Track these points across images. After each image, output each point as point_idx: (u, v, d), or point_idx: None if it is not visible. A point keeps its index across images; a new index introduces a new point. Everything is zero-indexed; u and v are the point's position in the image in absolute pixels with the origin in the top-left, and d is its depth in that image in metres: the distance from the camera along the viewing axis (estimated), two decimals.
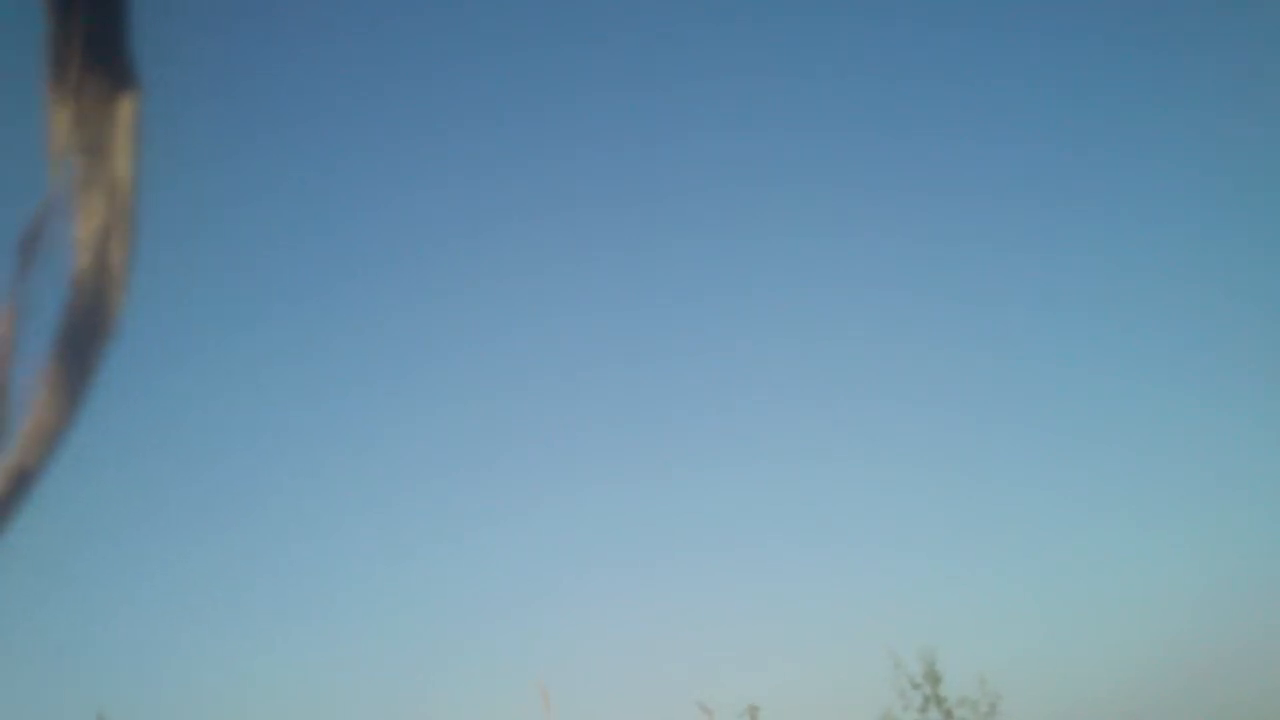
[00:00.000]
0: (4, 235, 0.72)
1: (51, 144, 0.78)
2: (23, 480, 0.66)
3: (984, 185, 33.61)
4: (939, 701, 20.69)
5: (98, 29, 0.77)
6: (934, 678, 20.79)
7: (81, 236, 0.77)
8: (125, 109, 0.79)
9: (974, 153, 33.20)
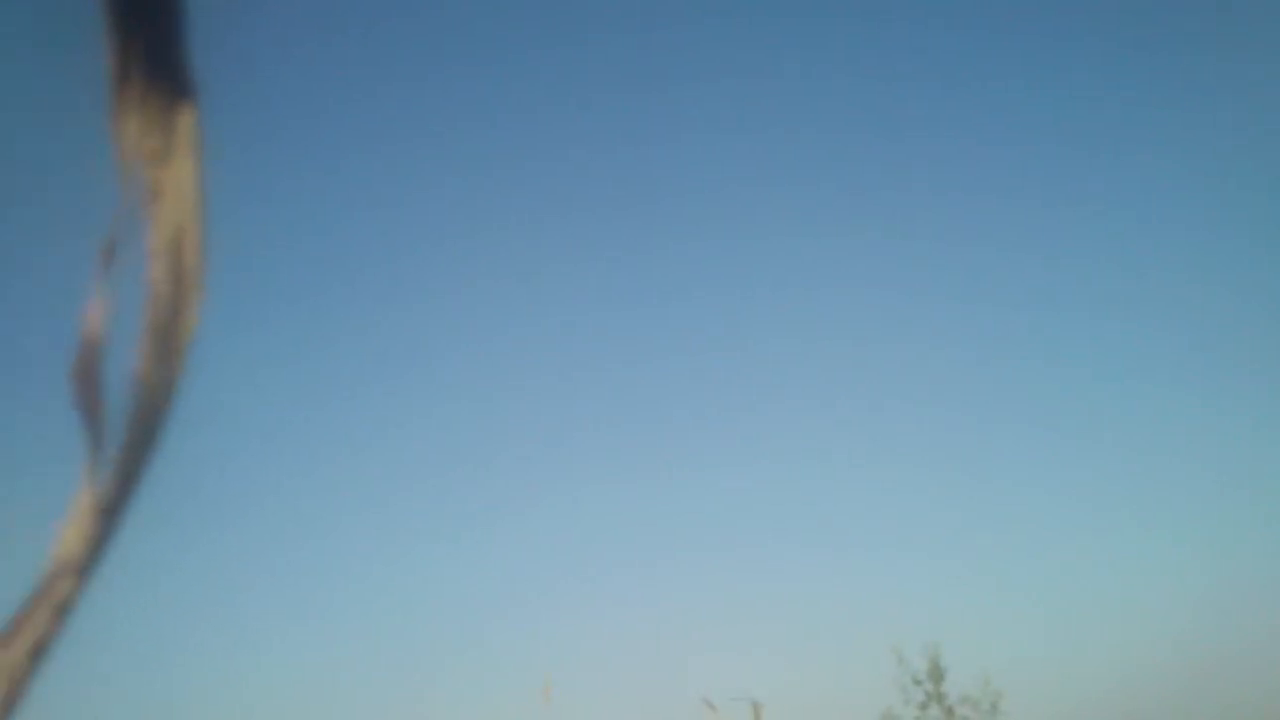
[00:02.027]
0: (84, 247, 0.77)
1: (119, 154, 0.83)
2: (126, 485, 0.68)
3: (984, 185, 33.67)
4: (940, 699, 20.74)
5: (157, 36, 0.81)
6: (936, 675, 20.84)
7: (154, 245, 0.82)
8: (188, 115, 0.84)
9: (974, 153, 33.26)
